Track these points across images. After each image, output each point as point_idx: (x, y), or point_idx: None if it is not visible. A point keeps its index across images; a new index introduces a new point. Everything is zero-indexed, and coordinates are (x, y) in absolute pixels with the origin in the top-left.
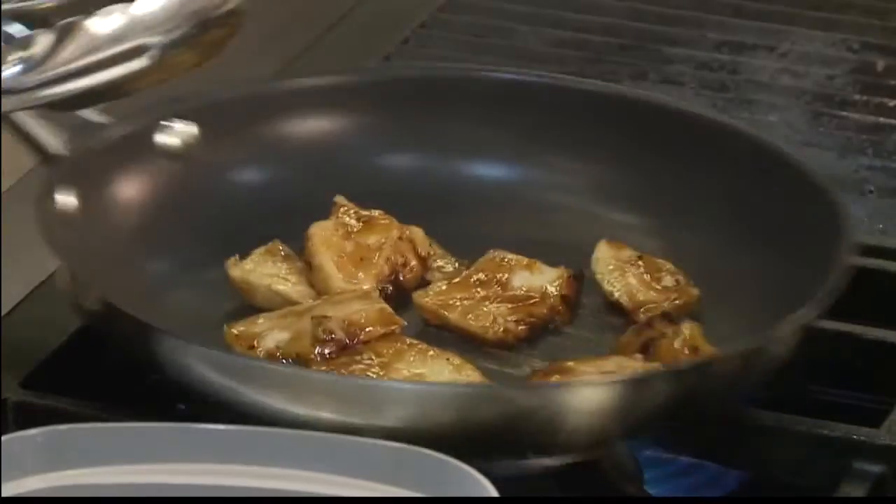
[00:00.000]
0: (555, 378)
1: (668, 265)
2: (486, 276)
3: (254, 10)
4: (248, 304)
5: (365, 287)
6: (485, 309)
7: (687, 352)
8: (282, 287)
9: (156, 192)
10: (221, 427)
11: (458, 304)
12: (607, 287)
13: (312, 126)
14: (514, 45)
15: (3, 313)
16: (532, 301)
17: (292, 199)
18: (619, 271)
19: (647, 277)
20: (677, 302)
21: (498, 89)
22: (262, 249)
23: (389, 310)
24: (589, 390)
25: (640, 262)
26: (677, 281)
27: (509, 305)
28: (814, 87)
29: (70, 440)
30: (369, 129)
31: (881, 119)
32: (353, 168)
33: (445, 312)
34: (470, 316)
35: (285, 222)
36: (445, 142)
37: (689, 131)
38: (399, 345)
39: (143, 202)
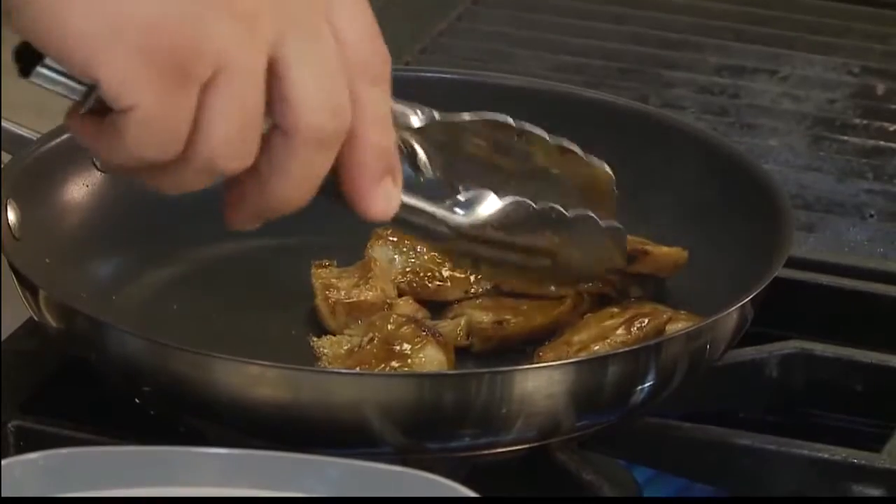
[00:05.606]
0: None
1: None
2: None
3: None
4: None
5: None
6: None
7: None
8: None
9: (96, 196)
10: (222, 450)
11: None
12: None
13: None
14: (515, 70)
15: (2, 338)
16: None
17: None
18: None
19: None
20: None
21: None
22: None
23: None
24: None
25: None
26: None
27: None
28: (814, 111)
29: (71, 463)
30: None
31: (881, 143)
32: None
33: None
34: None
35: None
36: None
37: (639, 128)
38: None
39: (85, 207)
